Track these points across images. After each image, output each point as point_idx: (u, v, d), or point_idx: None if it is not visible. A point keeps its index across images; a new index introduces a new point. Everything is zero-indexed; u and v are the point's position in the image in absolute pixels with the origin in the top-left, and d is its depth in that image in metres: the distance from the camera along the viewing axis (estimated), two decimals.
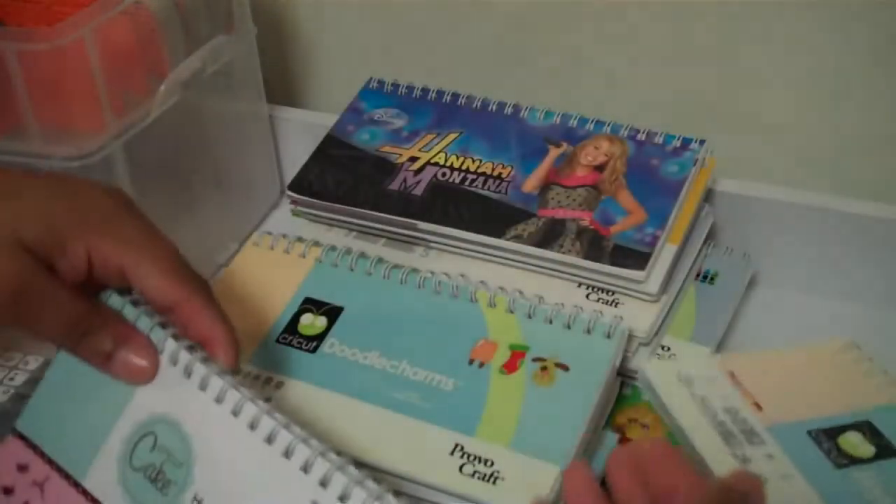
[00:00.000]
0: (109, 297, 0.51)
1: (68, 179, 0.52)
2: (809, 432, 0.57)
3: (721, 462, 0.57)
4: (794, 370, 0.63)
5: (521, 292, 0.66)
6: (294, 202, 0.73)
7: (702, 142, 0.72)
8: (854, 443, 0.57)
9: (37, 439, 0.52)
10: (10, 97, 0.61)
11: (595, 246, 0.66)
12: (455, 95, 0.77)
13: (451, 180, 0.72)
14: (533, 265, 0.68)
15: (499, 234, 0.68)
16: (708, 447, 0.57)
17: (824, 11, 0.74)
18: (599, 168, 0.71)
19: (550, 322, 0.63)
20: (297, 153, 0.79)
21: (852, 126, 0.79)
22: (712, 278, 0.72)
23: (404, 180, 0.72)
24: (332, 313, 0.65)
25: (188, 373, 0.49)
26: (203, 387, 0.49)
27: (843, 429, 0.58)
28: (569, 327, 0.62)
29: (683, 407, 0.59)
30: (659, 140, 0.72)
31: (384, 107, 0.78)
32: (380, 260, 0.67)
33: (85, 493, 0.50)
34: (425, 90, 0.78)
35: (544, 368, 0.61)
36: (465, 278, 0.67)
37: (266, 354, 0.64)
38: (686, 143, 0.72)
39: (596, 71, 0.83)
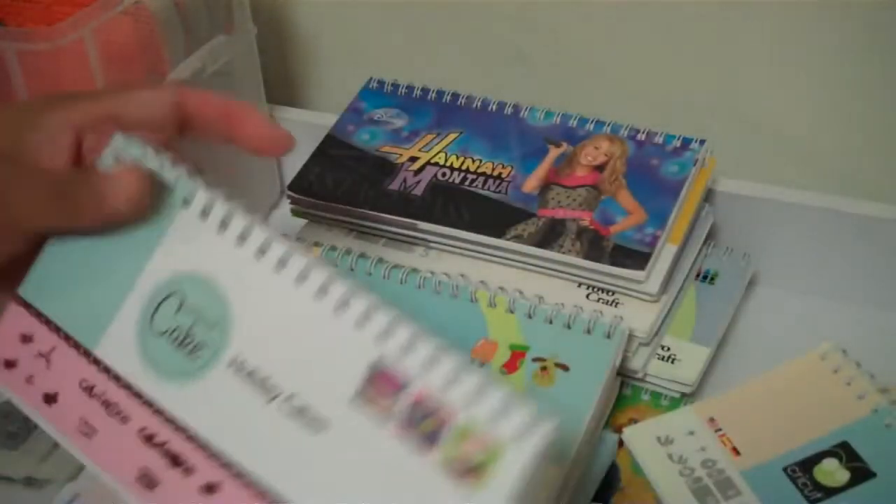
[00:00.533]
0: (119, 143, 0.47)
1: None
2: (785, 469, 0.58)
3: None
4: (772, 399, 0.63)
5: (521, 292, 0.65)
6: (294, 202, 0.73)
7: (702, 142, 0.72)
8: (829, 471, 0.58)
9: (42, 306, 0.47)
10: (10, 97, 0.61)
11: (595, 246, 0.66)
12: (455, 95, 0.77)
13: (451, 180, 0.72)
14: (533, 265, 0.68)
15: (499, 234, 0.68)
16: None
17: (824, 11, 0.74)
18: (599, 168, 0.71)
19: (550, 322, 0.63)
20: (297, 153, 0.79)
21: (852, 126, 0.79)
22: (712, 278, 0.72)
23: (404, 180, 0.72)
24: None
25: (224, 225, 0.45)
26: (242, 239, 0.45)
27: (819, 457, 0.58)
28: (569, 327, 0.62)
29: (661, 469, 0.59)
30: (659, 140, 0.72)
31: (384, 107, 0.78)
32: (380, 260, 0.67)
33: (97, 362, 0.45)
34: (425, 90, 0.78)
35: (544, 368, 0.61)
36: (465, 278, 0.67)
37: None
38: (686, 143, 0.72)
39: (596, 71, 0.83)
